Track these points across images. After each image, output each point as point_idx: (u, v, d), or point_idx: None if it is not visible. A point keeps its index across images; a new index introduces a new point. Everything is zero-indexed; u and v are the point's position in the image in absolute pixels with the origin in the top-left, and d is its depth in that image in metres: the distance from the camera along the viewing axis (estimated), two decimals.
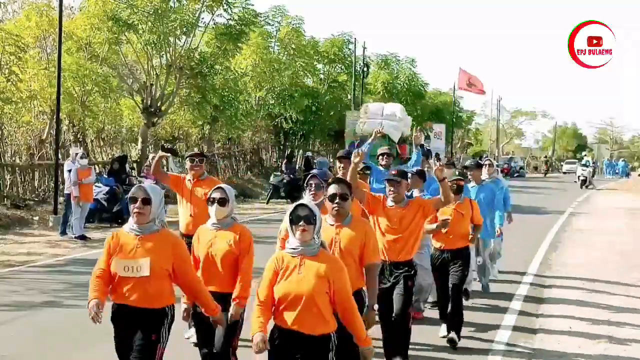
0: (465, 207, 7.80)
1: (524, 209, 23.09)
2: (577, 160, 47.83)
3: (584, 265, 12.58)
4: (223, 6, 21.56)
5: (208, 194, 5.28)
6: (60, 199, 16.28)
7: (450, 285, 7.38)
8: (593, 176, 38.99)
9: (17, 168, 18.64)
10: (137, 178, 17.68)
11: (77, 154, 14.82)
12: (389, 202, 6.26)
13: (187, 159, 7.54)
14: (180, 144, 26.99)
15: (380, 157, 9.14)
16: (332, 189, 5.16)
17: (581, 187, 35.53)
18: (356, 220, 5.33)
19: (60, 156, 16.84)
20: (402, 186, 6.22)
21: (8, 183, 18.02)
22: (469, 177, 9.66)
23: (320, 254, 4.25)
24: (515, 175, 49.03)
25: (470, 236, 7.83)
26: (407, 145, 23.05)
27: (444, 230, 7.36)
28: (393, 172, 6.44)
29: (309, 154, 29.70)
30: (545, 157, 67.68)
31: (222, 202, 5.20)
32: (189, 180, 7.59)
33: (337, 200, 5.11)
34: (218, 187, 5.31)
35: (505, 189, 10.80)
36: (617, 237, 16.62)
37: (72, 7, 24.44)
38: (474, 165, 9.99)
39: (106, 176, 17.47)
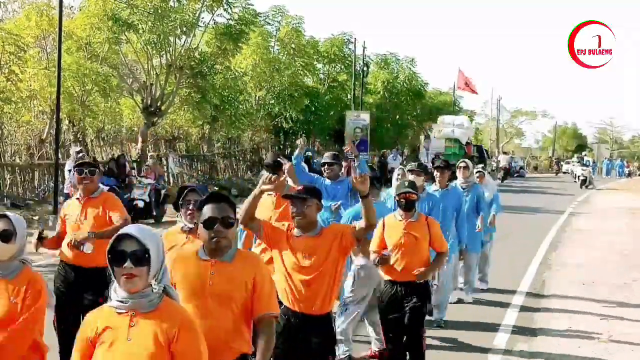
0: (420, 227, 5.99)
1: (524, 209, 23.12)
2: (576, 160, 47.37)
3: (584, 265, 12.58)
4: (223, 6, 21.54)
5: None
6: (60, 199, 16.28)
7: (405, 332, 5.86)
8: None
9: (17, 168, 18.64)
10: (137, 178, 17.68)
11: (77, 153, 14.82)
12: (295, 231, 4.69)
13: (75, 169, 5.85)
14: (181, 144, 27.00)
15: (324, 168, 7.67)
16: (208, 210, 3.58)
17: (581, 187, 35.51)
18: (243, 254, 3.80)
19: (60, 156, 16.84)
20: (310, 206, 4.59)
21: (8, 183, 18.02)
22: (437, 179, 8.20)
23: (161, 305, 2.91)
24: (515, 175, 49.04)
25: (423, 270, 5.87)
26: (472, 146, 33.15)
27: (391, 260, 5.87)
28: (299, 188, 4.82)
29: (309, 153, 29.72)
30: (555, 157, 65.75)
31: (6, 236, 3.80)
32: (78, 198, 5.83)
33: (216, 227, 3.55)
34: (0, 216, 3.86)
35: (495, 195, 10.14)
36: (616, 237, 16.62)
37: (72, 6, 24.45)
38: (442, 166, 8.27)
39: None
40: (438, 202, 7.70)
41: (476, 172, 9.94)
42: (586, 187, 35.61)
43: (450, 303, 8.48)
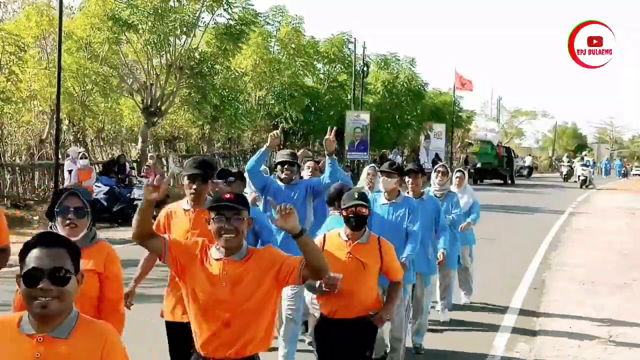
0: (369, 251, 4.73)
1: (524, 209, 23.13)
2: (566, 160, 46.74)
3: (584, 265, 12.58)
4: (223, 6, 21.55)
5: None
6: None
7: None
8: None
9: (17, 168, 18.64)
10: (137, 178, 17.69)
11: (79, 153, 14.85)
12: (214, 252, 3.53)
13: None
14: (181, 144, 27.01)
15: (280, 168, 6.55)
16: (33, 258, 2.51)
17: (581, 187, 35.52)
18: (85, 322, 2.58)
19: (60, 156, 16.85)
20: (242, 220, 3.49)
21: (8, 183, 18.02)
22: (408, 186, 7.00)
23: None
24: (516, 175, 49.10)
25: (382, 313, 4.75)
26: (502, 147, 37.94)
27: (335, 290, 4.57)
28: (226, 196, 3.57)
29: (309, 153, 29.72)
30: (555, 157, 62.00)
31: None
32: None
33: (42, 285, 2.45)
34: None
35: (474, 202, 8.90)
36: (616, 236, 16.62)
37: (72, 6, 24.43)
38: (412, 171, 6.99)
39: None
40: (416, 209, 6.24)
41: (456, 174, 9.06)
42: (586, 187, 35.63)
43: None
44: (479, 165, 37.31)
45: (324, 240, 4.79)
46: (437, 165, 8.36)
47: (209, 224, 3.54)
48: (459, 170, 9.31)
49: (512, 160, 38.53)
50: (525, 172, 46.43)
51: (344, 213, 4.69)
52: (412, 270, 6.19)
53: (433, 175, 8.16)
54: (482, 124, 40.57)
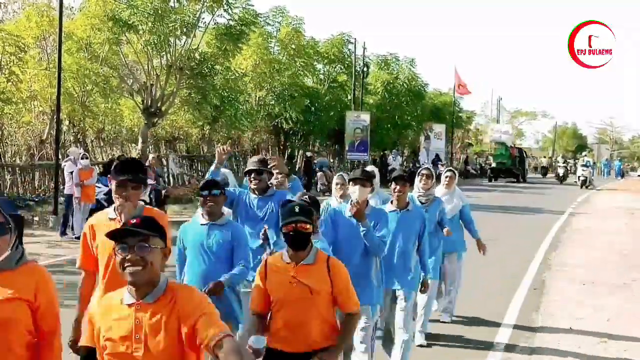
0: (317, 273, 4.03)
1: (524, 209, 23.14)
2: (561, 162, 45.69)
3: (584, 265, 12.59)
4: (223, 7, 21.56)
5: None
6: (61, 199, 16.30)
7: None
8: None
9: (17, 168, 18.66)
10: None
11: (79, 153, 14.86)
12: (126, 294, 2.91)
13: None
14: (181, 145, 27.02)
15: (248, 178, 5.82)
16: None
17: (581, 188, 35.54)
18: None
19: (60, 156, 16.87)
20: (153, 250, 2.85)
21: (8, 183, 18.05)
22: (394, 194, 6.19)
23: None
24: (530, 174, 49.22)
25: (330, 352, 3.99)
26: (515, 148, 41.94)
27: (273, 326, 4.08)
28: (132, 221, 2.92)
29: (309, 154, 29.76)
30: (563, 157, 58.94)
31: None
32: None
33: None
34: None
35: (464, 206, 8.07)
36: (616, 237, 16.62)
37: (72, 7, 24.48)
38: (399, 178, 6.16)
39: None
40: (384, 218, 5.61)
41: (446, 173, 8.10)
42: (586, 187, 35.66)
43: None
44: (494, 164, 41.07)
45: (265, 266, 4.10)
46: (421, 168, 7.43)
47: None
48: (449, 170, 8.38)
49: (524, 160, 41.96)
50: (541, 172, 51.13)
51: (283, 230, 4.03)
52: (379, 290, 5.53)
53: (417, 179, 7.20)
54: (497, 127, 44.51)
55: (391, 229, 5.74)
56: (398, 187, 6.08)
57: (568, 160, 45.97)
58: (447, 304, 8.21)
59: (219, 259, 4.90)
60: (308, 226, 3.98)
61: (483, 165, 51.94)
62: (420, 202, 7.07)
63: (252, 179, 5.77)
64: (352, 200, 5.46)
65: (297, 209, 4.00)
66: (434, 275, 7.21)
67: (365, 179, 5.50)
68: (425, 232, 6.11)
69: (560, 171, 42.56)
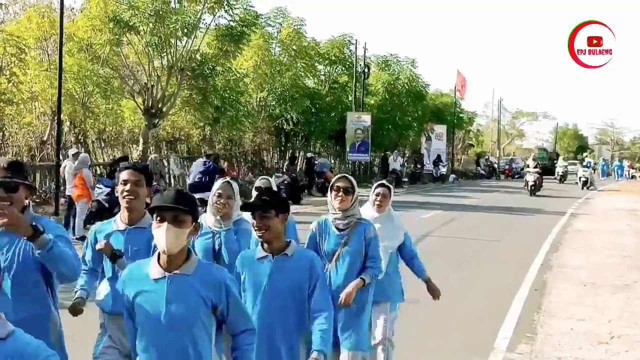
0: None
1: (525, 210, 23.12)
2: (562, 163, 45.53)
3: (585, 266, 12.57)
4: (224, 7, 21.58)
5: None
6: (62, 200, 16.30)
7: None
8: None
9: None
10: None
11: (74, 154, 14.90)
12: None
13: None
14: (182, 146, 27.02)
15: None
16: None
17: (582, 188, 35.52)
18: None
19: (61, 157, 16.88)
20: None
21: None
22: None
23: None
24: (516, 177, 49.18)
25: None
26: (553, 153, 53.43)
27: None
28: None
29: (310, 155, 29.76)
30: (564, 159, 52.84)
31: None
32: None
33: None
34: None
35: (405, 236, 5.84)
36: (618, 238, 16.60)
37: (73, 8, 24.54)
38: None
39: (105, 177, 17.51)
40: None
41: (375, 190, 5.71)
42: (587, 188, 35.63)
43: None
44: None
45: None
46: (335, 178, 5.18)
47: None
48: (381, 185, 5.79)
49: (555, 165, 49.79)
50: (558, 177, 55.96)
51: None
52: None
53: (330, 196, 5.08)
54: (539, 135, 57.07)
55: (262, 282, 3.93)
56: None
57: (567, 162, 46.13)
58: None
59: None
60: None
61: (494, 166, 52.33)
62: (337, 228, 5.02)
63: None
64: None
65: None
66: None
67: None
68: (319, 286, 3.92)
69: (560, 170, 42.87)
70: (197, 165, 16.19)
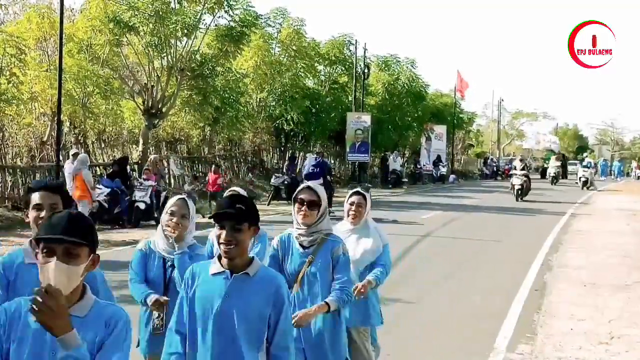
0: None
1: (525, 210, 23.11)
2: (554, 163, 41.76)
3: (585, 266, 12.57)
4: (224, 8, 21.58)
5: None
6: None
7: None
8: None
9: (18, 170, 18.65)
10: (137, 179, 17.71)
11: (73, 155, 14.92)
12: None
13: None
14: (182, 146, 27.02)
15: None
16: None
17: (582, 189, 35.50)
18: None
19: (61, 158, 16.88)
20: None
21: (9, 185, 18.03)
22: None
23: None
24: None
25: None
26: (560, 154, 49.50)
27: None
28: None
29: (310, 155, 29.75)
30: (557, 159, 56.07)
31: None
32: None
33: None
34: None
35: (384, 249, 5.22)
36: (618, 238, 16.60)
37: (73, 9, 24.52)
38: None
39: (105, 178, 17.52)
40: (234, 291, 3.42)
41: (349, 199, 5.13)
42: (587, 188, 35.62)
43: None
44: (545, 165, 49.30)
45: None
46: (299, 189, 4.41)
47: None
48: (356, 193, 5.19)
49: (566, 163, 51.02)
50: (540, 173, 55.32)
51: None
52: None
53: (293, 209, 4.40)
54: (547, 137, 59.69)
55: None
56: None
57: (571, 161, 44.42)
58: None
59: None
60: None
61: (498, 166, 52.36)
62: (301, 245, 4.35)
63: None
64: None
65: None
66: None
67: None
68: (283, 320, 3.33)
69: (552, 171, 39.55)
70: (310, 160, 20.89)
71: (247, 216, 3.25)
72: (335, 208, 15.15)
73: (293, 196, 4.39)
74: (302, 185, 4.47)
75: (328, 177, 20.46)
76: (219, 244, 3.23)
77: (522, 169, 27.01)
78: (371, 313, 5.15)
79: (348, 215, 5.15)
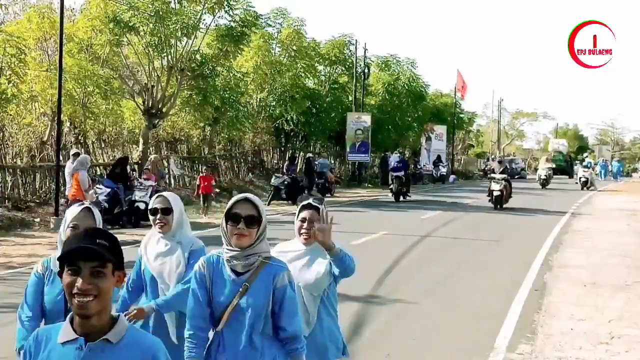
0: None
1: (525, 210, 23.10)
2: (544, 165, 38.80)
3: (585, 266, 12.57)
4: (224, 8, 21.59)
5: None
6: (62, 201, 16.30)
7: None
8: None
9: (18, 170, 18.65)
10: (137, 180, 17.72)
11: (76, 154, 14.90)
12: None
13: None
14: (182, 146, 27.03)
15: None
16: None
17: (582, 189, 35.50)
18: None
19: (61, 158, 16.88)
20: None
21: (9, 185, 18.03)
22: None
23: None
24: (516, 177, 49.13)
25: None
26: (569, 156, 54.84)
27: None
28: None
29: (310, 155, 29.76)
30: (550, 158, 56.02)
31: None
32: None
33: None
34: None
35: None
36: (618, 238, 16.60)
37: (73, 9, 24.55)
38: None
39: (105, 177, 17.51)
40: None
41: (300, 214, 4.13)
42: (587, 188, 35.61)
43: None
44: (554, 166, 46.96)
45: None
46: (233, 201, 3.44)
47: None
48: (307, 206, 4.14)
49: (573, 163, 54.72)
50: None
51: None
52: None
53: (224, 227, 3.41)
54: (556, 140, 61.39)
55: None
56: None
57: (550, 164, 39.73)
58: None
59: None
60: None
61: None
62: (233, 271, 3.42)
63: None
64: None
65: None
66: None
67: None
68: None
69: (542, 174, 36.87)
70: (394, 157, 26.32)
71: (111, 255, 2.36)
72: (335, 208, 15.13)
73: (225, 209, 3.41)
74: (237, 196, 3.48)
75: (408, 171, 25.00)
76: (71, 296, 2.32)
77: (502, 172, 23.35)
78: (327, 346, 4.06)
79: (300, 234, 4.08)
